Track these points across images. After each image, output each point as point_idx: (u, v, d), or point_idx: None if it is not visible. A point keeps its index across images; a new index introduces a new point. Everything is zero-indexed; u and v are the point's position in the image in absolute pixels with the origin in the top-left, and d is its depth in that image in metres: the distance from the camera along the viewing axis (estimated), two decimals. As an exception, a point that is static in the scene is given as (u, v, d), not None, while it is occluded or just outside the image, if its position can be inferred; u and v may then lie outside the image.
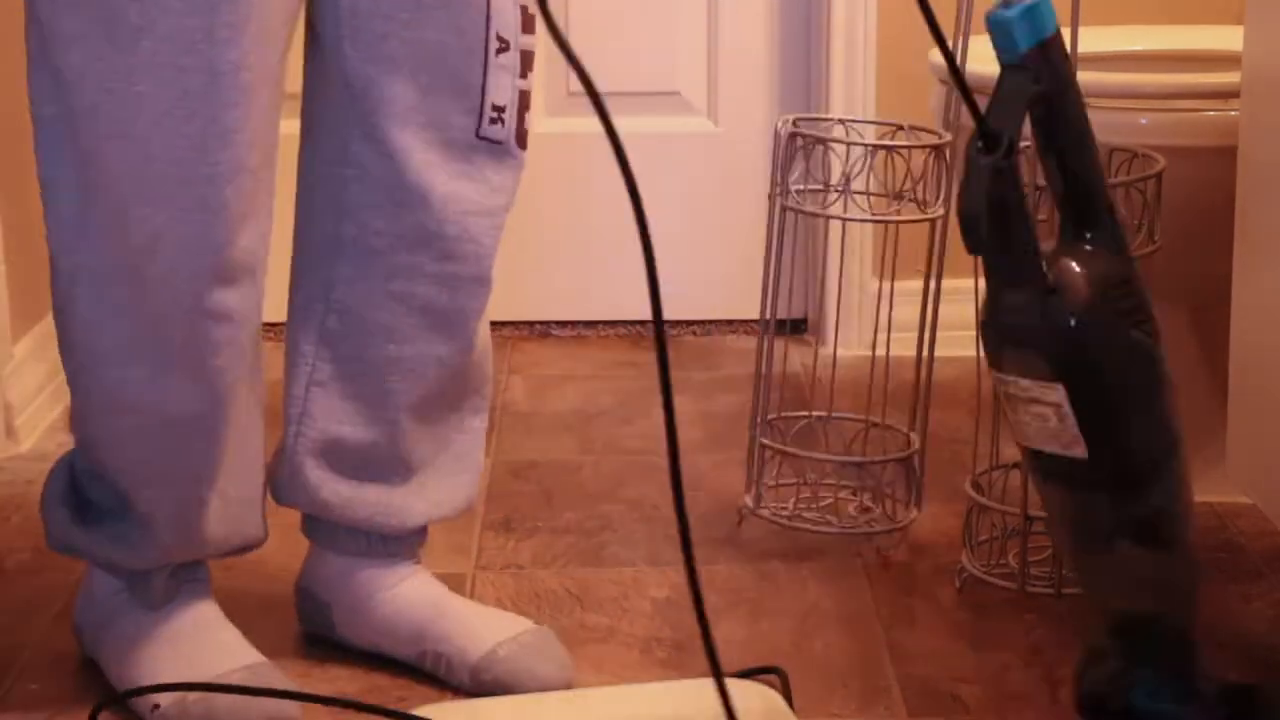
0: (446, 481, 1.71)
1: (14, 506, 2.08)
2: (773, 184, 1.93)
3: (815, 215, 1.92)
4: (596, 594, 1.86)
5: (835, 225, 2.24)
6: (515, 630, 1.66)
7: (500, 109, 1.58)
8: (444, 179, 1.57)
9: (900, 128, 1.95)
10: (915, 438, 1.99)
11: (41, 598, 1.86)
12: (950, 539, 1.96)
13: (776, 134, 1.91)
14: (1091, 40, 2.11)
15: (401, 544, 1.72)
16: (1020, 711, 1.63)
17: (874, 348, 2.01)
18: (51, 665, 1.72)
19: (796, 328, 2.64)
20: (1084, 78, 1.84)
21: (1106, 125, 1.89)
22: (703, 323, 2.71)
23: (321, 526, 1.73)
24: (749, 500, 2.01)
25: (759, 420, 1.99)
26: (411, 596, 1.70)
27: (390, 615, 1.70)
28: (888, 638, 1.76)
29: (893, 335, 1.93)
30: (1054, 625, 1.78)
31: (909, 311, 1.99)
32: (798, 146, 1.89)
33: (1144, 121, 1.92)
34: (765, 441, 1.98)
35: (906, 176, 1.88)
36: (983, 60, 2.02)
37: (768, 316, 1.96)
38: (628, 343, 2.61)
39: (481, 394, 1.72)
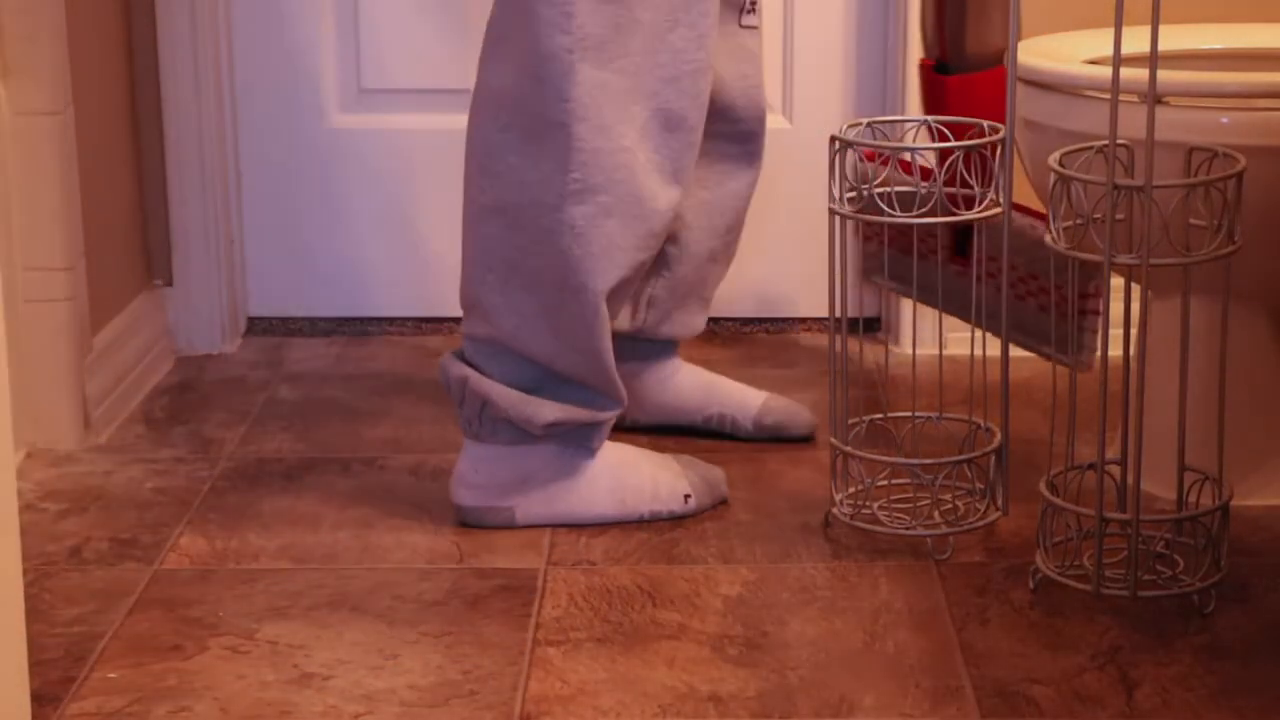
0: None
1: (92, 497, 2.11)
2: (830, 189, 1.93)
3: (851, 218, 1.91)
4: (668, 591, 1.87)
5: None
6: (768, 393, 2.26)
7: (754, 1, 2.10)
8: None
9: (980, 126, 1.94)
10: (999, 437, 1.98)
11: (119, 587, 1.88)
12: (1024, 540, 1.95)
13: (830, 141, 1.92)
14: (1172, 38, 2.09)
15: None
16: (1093, 714, 1.62)
17: (940, 346, 1.99)
18: (129, 654, 1.74)
19: (870, 326, 2.64)
20: (1164, 76, 1.83)
21: (1186, 124, 1.88)
22: (775, 320, 2.70)
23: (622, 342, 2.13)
24: (836, 501, 2.01)
25: (839, 422, 1.99)
26: (690, 378, 2.26)
27: (679, 393, 2.24)
28: (960, 638, 1.76)
29: (959, 335, 1.91)
30: (1128, 627, 1.77)
31: (970, 311, 1.98)
32: (835, 151, 1.89)
33: (1225, 121, 1.90)
34: (836, 444, 1.98)
35: (944, 174, 1.88)
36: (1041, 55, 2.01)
37: (837, 316, 1.96)
38: (700, 339, 2.61)
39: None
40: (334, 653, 1.74)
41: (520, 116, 1.89)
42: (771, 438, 2.23)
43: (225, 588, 1.88)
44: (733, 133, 2.13)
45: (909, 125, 2.02)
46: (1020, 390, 2.26)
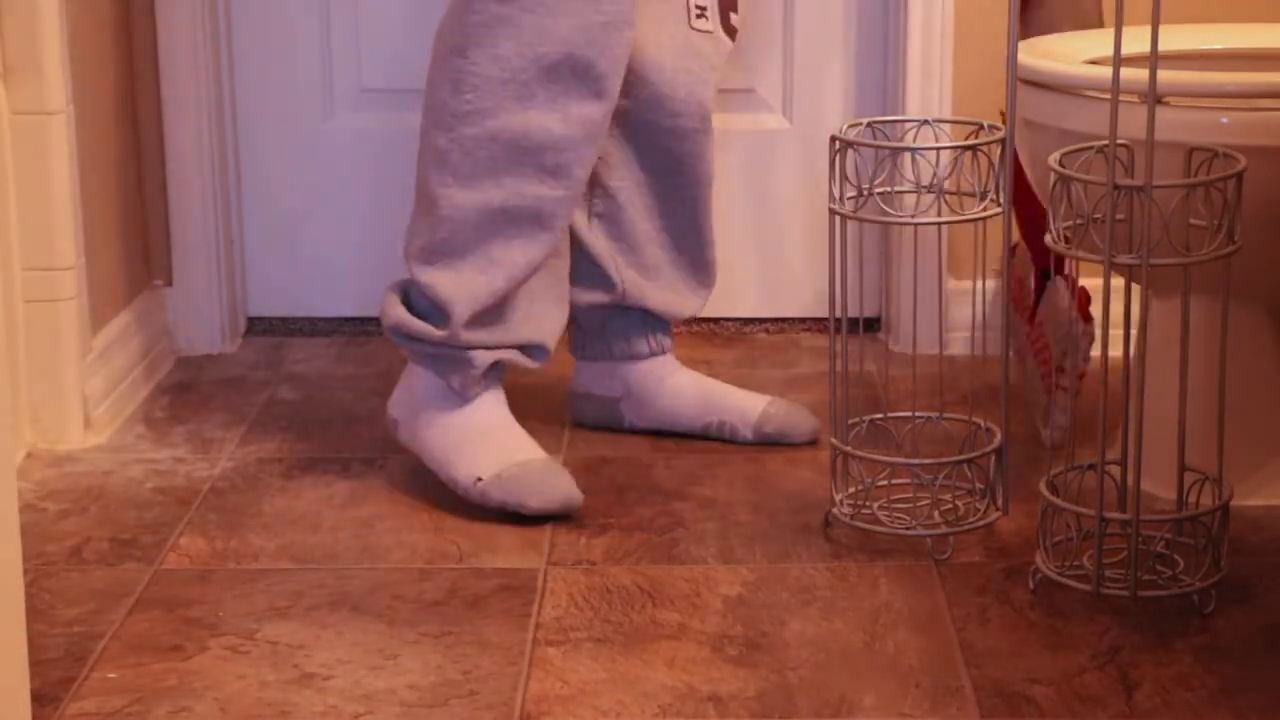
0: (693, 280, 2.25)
1: (92, 497, 2.11)
2: (830, 189, 1.93)
3: (851, 219, 1.91)
4: (668, 591, 1.87)
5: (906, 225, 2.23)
6: (769, 397, 2.25)
7: (702, 8, 2.15)
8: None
9: (980, 126, 1.94)
10: (999, 437, 1.98)
11: (119, 587, 1.88)
12: (1024, 540, 1.95)
13: (831, 141, 1.92)
14: (1172, 38, 2.09)
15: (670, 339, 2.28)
16: (1093, 714, 1.62)
17: (941, 346, 1.99)
18: (129, 654, 1.74)
19: (870, 326, 2.64)
20: (1164, 76, 1.83)
21: (1187, 124, 1.88)
22: (776, 320, 2.70)
23: (602, 341, 2.24)
24: (836, 501, 2.01)
25: (839, 422, 1.99)
26: (689, 383, 2.26)
27: (677, 397, 2.24)
28: (960, 638, 1.76)
29: (957, 334, 1.91)
30: (1129, 627, 1.77)
31: (971, 311, 1.98)
32: (835, 151, 1.89)
33: (1225, 121, 1.90)
34: (837, 444, 1.98)
35: (949, 175, 1.88)
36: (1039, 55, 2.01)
37: (837, 316, 1.96)
38: (700, 340, 2.61)
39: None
40: (334, 653, 1.74)
41: (440, 47, 2.04)
42: (773, 444, 2.23)
43: (225, 588, 1.88)
44: (672, 127, 2.15)
45: (909, 125, 2.02)
46: (1020, 390, 2.25)
